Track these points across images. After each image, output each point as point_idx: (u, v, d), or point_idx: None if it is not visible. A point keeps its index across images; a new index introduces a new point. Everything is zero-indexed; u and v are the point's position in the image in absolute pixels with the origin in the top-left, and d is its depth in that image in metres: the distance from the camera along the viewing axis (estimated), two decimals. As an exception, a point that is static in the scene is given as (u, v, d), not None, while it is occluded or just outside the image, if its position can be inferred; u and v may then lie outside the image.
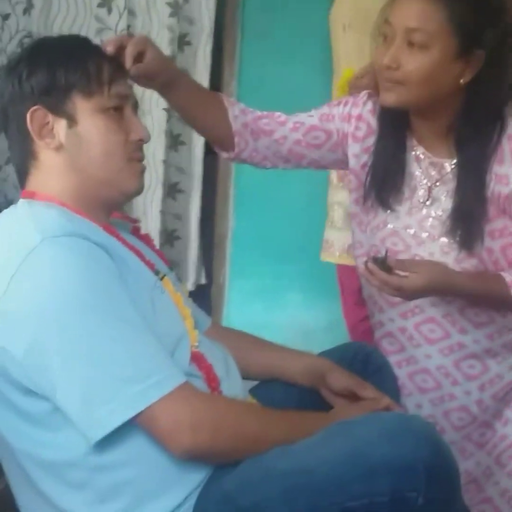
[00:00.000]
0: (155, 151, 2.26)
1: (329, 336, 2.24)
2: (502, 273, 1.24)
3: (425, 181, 1.31)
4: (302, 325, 2.35)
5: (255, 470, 0.94)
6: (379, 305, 1.39)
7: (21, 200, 1.05)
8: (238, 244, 2.31)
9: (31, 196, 1.04)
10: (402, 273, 1.18)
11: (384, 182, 1.33)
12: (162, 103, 2.19)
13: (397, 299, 1.30)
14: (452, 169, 1.29)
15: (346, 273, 1.97)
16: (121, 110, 1.06)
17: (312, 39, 2.26)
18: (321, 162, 1.40)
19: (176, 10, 2.23)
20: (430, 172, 1.31)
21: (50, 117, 1.02)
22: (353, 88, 1.74)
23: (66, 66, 1.02)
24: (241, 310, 2.39)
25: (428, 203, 1.31)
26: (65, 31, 2.09)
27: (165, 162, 2.31)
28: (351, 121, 1.36)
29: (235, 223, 2.36)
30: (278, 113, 1.38)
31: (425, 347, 1.34)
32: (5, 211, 1.06)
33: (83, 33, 2.10)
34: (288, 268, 2.37)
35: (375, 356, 1.31)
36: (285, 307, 2.38)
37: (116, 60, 1.08)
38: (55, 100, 1.02)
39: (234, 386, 1.10)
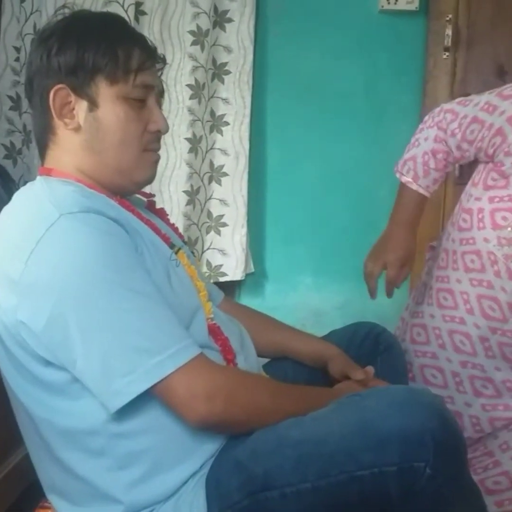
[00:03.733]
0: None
1: (339, 316, 2.26)
2: None
3: None
4: (313, 307, 2.37)
5: (267, 439, 0.96)
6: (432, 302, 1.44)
7: (38, 177, 1.07)
8: (250, 227, 2.32)
9: (48, 172, 1.06)
10: None
11: None
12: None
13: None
14: None
15: None
16: (144, 99, 1.07)
17: (328, 23, 2.26)
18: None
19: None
20: None
21: (73, 97, 1.03)
22: None
23: (95, 49, 1.02)
24: (254, 291, 2.41)
25: None
26: (78, 4, 2.03)
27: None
28: None
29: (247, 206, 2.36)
30: None
31: (451, 353, 1.39)
32: (23, 187, 1.08)
33: (92, 5, 2.06)
34: (299, 251, 2.38)
35: (385, 335, 1.33)
36: (296, 289, 2.39)
37: (147, 47, 1.08)
38: (80, 81, 1.03)
39: (249, 359, 1.13)
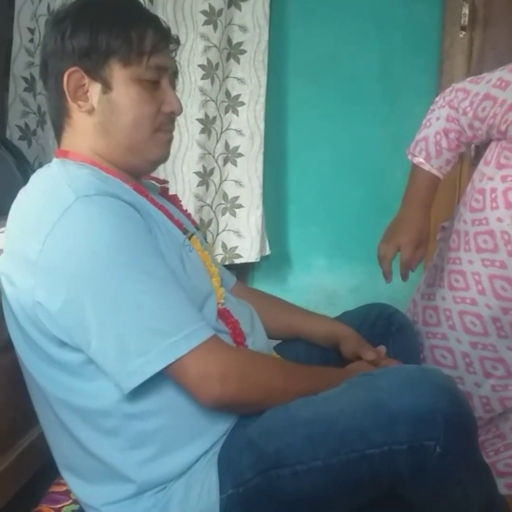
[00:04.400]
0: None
1: (352, 298, 2.26)
2: None
3: None
4: (326, 288, 2.37)
5: (279, 418, 0.97)
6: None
7: (54, 159, 1.08)
8: (265, 208, 2.32)
9: (65, 155, 1.07)
10: None
11: None
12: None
13: None
14: None
15: None
16: (158, 81, 1.07)
17: (343, 3, 2.24)
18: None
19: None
20: None
21: (87, 80, 1.04)
22: None
23: (109, 31, 1.02)
24: (268, 273, 2.41)
25: None
26: None
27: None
28: None
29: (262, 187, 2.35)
30: None
31: (461, 334, 1.38)
32: (39, 170, 1.09)
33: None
34: (312, 233, 2.38)
35: (397, 316, 1.34)
36: (310, 271, 2.40)
37: (161, 28, 1.07)
38: (94, 64, 1.03)
39: (259, 342, 1.13)
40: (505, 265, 1.34)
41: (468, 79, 1.43)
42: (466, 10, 2.15)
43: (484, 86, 1.36)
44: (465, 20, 2.16)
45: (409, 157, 1.45)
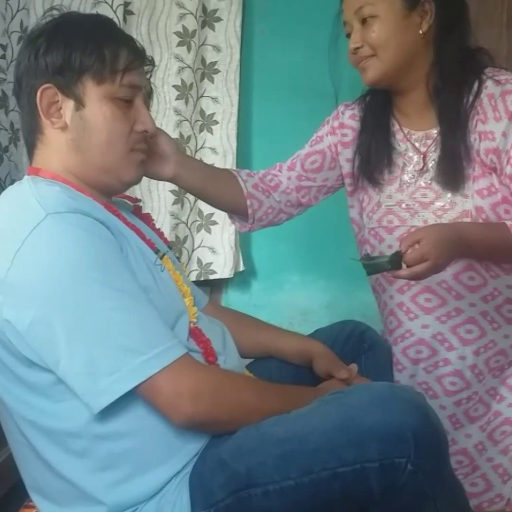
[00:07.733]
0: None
1: (325, 315, 2.27)
2: (505, 221, 1.26)
3: (415, 157, 1.38)
4: (300, 305, 2.38)
5: (251, 437, 0.96)
6: (382, 285, 1.43)
7: (26, 177, 1.07)
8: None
9: (36, 172, 1.07)
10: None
11: (369, 159, 1.41)
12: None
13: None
14: (436, 137, 1.36)
15: None
16: (131, 99, 1.07)
17: (314, 22, 2.26)
18: (328, 184, 1.51)
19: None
20: (418, 146, 1.38)
21: (60, 97, 1.04)
22: None
23: (82, 49, 1.03)
24: (241, 289, 2.42)
25: (425, 169, 1.37)
26: (66, 4, 2.01)
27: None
28: (336, 132, 1.48)
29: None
30: (276, 164, 1.53)
31: (422, 317, 1.38)
32: (10, 187, 1.08)
33: (81, 6, 2.06)
34: (286, 249, 2.39)
35: (370, 333, 1.35)
36: (284, 287, 2.40)
37: (135, 48, 1.08)
38: (67, 81, 1.03)
39: (231, 360, 1.13)
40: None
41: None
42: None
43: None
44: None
45: None
